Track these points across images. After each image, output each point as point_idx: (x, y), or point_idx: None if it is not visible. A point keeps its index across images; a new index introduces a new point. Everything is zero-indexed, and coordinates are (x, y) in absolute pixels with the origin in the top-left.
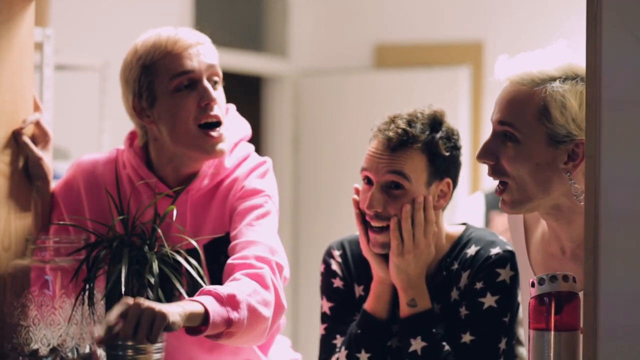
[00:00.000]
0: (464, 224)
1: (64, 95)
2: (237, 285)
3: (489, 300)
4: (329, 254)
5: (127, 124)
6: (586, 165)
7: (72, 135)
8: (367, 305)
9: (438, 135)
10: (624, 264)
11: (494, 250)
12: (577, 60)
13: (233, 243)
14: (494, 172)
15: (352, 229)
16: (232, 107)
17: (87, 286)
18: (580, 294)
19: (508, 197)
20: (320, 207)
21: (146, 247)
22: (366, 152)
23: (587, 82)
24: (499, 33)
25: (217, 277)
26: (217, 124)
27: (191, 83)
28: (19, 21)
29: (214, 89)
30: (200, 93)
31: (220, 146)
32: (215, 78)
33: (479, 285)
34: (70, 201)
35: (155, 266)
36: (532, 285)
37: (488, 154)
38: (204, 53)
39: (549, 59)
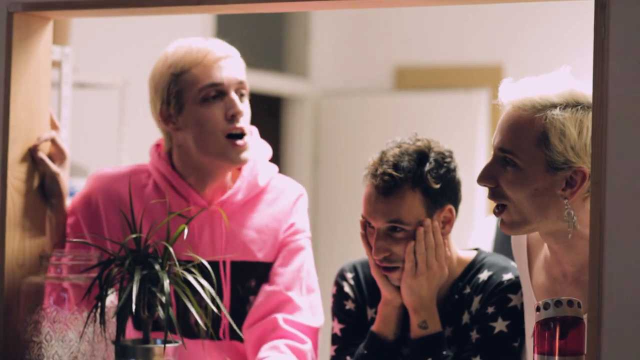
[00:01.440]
0: (476, 249)
1: (84, 113)
2: None
3: (500, 325)
4: (341, 276)
5: (145, 142)
6: (591, 192)
7: (91, 153)
8: (375, 327)
9: (426, 168)
10: (627, 289)
11: (507, 276)
12: (579, 87)
13: (278, 287)
14: (493, 195)
15: None
16: (255, 130)
17: (99, 304)
18: (585, 317)
19: (507, 219)
20: (339, 228)
21: (158, 265)
22: (362, 196)
23: (594, 109)
24: (518, 56)
25: (239, 297)
26: (242, 135)
27: (219, 94)
28: (37, 39)
29: (241, 101)
30: (228, 105)
31: (244, 155)
32: (243, 91)
33: (490, 309)
34: (88, 214)
35: (167, 285)
36: (537, 309)
37: (488, 177)
38: (232, 66)
39: (552, 84)
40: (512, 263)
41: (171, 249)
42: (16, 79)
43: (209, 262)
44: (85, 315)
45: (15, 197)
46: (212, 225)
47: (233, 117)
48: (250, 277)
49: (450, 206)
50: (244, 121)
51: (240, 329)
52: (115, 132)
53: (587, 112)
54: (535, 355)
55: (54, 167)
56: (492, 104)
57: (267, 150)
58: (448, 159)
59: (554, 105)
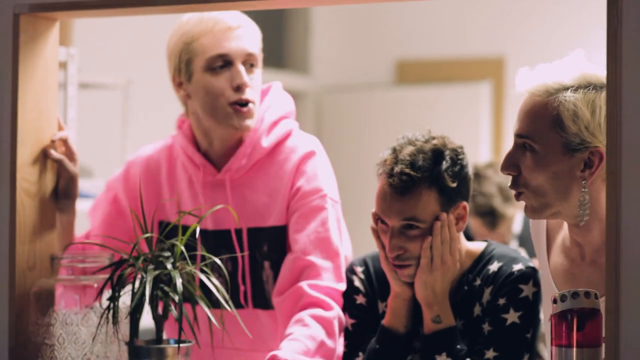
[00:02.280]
0: (485, 240)
1: (87, 113)
2: (305, 347)
3: (512, 317)
4: (351, 271)
5: (149, 142)
6: (607, 182)
7: (95, 154)
8: (385, 320)
9: (443, 167)
10: None
11: (517, 267)
12: (591, 69)
13: (297, 254)
14: (514, 183)
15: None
16: (277, 84)
17: (112, 305)
18: (601, 301)
19: (528, 203)
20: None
21: (170, 265)
22: (376, 192)
23: (608, 99)
24: (520, 48)
25: (257, 263)
26: (247, 104)
27: (225, 64)
28: (44, 41)
29: (250, 72)
30: (234, 75)
31: (247, 121)
32: (252, 62)
33: (502, 301)
34: (127, 187)
35: (179, 284)
36: (554, 302)
37: (510, 165)
38: (243, 36)
39: (564, 69)
40: (522, 254)
41: (183, 248)
42: (24, 80)
43: (223, 231)
44: (98, 317)
45: (25, 200)
46: (225, 193)
47: (239, 87)
48: (263, 243)
49: (465, 203)
50: (251, 92)
51: (261, 296)
52: (119, 132)
53: (600, 92)
54: (553, 347)
55: (72, 167)
56: (494, 96)
57: (286, 105)
58: (461, 156)
59: (566, 88)
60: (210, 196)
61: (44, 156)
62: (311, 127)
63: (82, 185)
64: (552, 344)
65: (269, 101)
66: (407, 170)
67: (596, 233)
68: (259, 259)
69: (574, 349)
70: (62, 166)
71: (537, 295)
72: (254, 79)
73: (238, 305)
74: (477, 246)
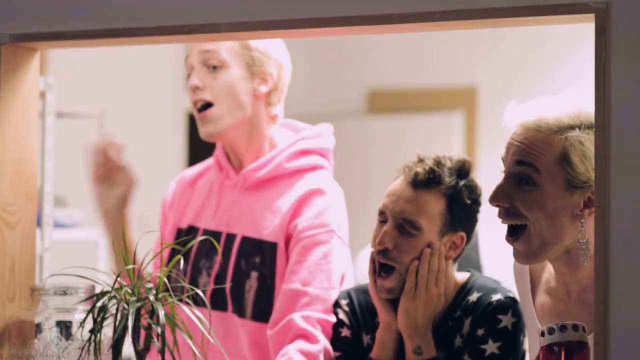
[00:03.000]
0: (468, 270)
1: (61, 142)
2: None
3: (491, 347)
4: (335, 304)
5: None
6: (596, 215)
7: (70, 183)
8: (373, 354)
9: (463, 182)
10: (634, 311)
11: (495, 297)
12: (589, 108)
13: (294, 284)
14: (507, 214)
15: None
16: (328, 126)
17: (93, 336)
18: (590, 337)
19: (523, 247)
20: None
21: (152, 296)
22: (386, 191)
23: (596, 132)
24: (492, 78)
25: (241, 272)
26: (203, 106)
27: (191, 70)
28: (24, 71)
29: (211, 72)
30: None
31: (205, 128)
32: (213, 62)
33: (480, 332)
34: (170, 204)
35: (162, 316)
36: (542, 334)
37: (503, 196)
38: (207, 43)
39: (561, 105)
40: (503, 284)
41: (165, 280)
42: (4, 111)
43: (214, 231)
44: (79, 349)
45: (5, 230)
46: (232, 195)
47: (191, 90)
48: (255, 254)
49: (463, 234)
50: (203, 93)
51: (239, 303)
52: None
53: None
54: None
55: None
56: (467, 126)
57: (321, 142)
58: (479, 192)
59: (570, 127)
60: (223, 198)
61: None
62: None
63: (57, 214)
64: None
65: (311, 132)
66: (432, 166)
67: (584, 270)
68: (244, 268)
69: None
70: (127, 172)
71: (516, 325)
72: (217, 79)
73: (221, 307)
74: (461, 277)
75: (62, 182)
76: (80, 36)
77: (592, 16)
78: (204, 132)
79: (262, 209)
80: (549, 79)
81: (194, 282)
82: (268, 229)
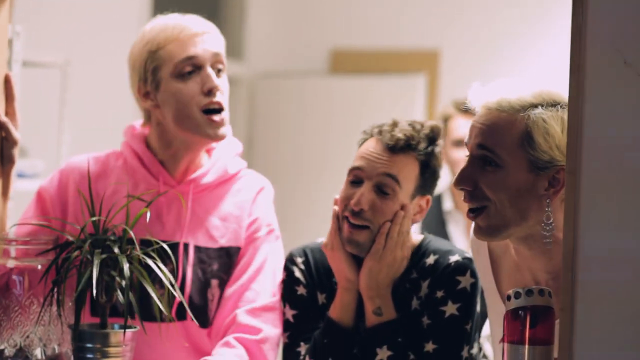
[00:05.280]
0: (422, 233)
1: (24, 92)
2: None
3: (451, 309)
4: (291, 261)
5: (87, 122)
6: (566, 183)
7: (31, 133)
8: (334, 314)
9: (434, 148)
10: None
11: (453, 258)
12: (553, 87)
13: (242, 281)
14: (472, 197)
15: (305, 233)
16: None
17: (56, 288)
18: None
19: (484, 223)
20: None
21: (117, 249)
22: (358, 153)
23: (570, 97)
24: (455, 42)
25: (200, 280)
26: (220, 110)
27: (195, 69)
28: None
29: (218, 76)
30: (204, 79)
31: (222, 130)
32: (220, 66)
33: (439, 293)
34: (58, 198)
35: (127, 269)
36: (508, 298)
37: (467, 180)
38: (209, 41)
39: (524, 86)
40: (458, 246)
41: (131, 232)
42: None
43: (173, 243)
44: (41, 299)
45: None
46: (179, 205)
47: (210, 91)
48: (212, 262)
49: (429, 197)
50: (221, 96)
51: (201, 311)
52: (56, 112)
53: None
54: (505, 344)
55: (16, 133)
56: (429, 89)
57: (237, 145)
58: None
59: (533, 105)
60: (165, 205)
61: None
62: (244, 112)
63: (19, 164)
64: (504, 341)
65: (230, 137)
66: (410, 132)
67: (553, 257)
68: (202, 277)
69: (526, 346)
70: (8, 130)
71: (474, 286)
72: (222, 84)
73: (182, 316)
74: (415, 239)
75: (24, 133)
76: None
77: None
78: (220, 134)
79: (209, 217)
80: (512, 42)
81: (142, 300)
82: (224, 236)
